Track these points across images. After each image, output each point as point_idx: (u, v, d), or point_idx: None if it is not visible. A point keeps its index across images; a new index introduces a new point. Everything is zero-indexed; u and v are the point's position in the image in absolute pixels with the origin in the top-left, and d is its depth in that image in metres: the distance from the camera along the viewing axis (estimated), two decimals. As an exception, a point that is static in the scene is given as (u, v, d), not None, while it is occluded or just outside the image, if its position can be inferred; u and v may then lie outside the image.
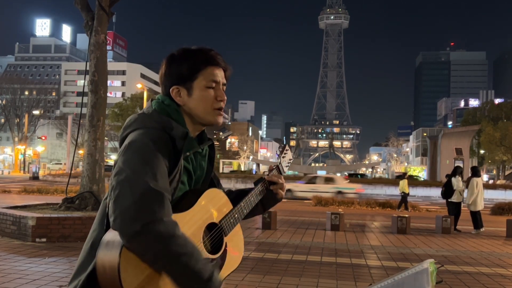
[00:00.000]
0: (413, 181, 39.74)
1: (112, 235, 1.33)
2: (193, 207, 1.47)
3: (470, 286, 5.91)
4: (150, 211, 1.28)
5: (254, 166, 76.00)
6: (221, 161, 71.98)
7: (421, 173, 76.22)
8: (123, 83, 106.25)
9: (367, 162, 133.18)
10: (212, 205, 1.54)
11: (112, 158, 66.84)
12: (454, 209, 12.68)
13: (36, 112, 71.78)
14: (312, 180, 26.73)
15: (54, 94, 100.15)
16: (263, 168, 79.42)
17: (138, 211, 1.28)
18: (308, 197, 22.77)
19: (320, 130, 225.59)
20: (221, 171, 61.86)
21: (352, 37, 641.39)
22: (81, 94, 10.76)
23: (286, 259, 7.19)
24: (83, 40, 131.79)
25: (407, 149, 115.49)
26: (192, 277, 1.32)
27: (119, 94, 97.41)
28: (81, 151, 47.42)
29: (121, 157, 1.41)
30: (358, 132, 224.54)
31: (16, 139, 69.50)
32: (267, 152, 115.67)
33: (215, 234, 1.54)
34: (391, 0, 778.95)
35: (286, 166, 1.88)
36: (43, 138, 68.70)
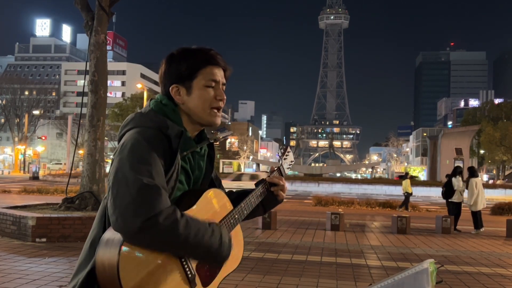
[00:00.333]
0: (413, 181, 39.74)
1: (111, 234, 1.34)
2: (193, 207, 1.47)
3: (470, 286, 5.91)
4: (149, 206, 1.30)
5: (254, 166, 75.98)
6: (221, 161, 71.99)
7: (421, 173, 76.20)
8: (123, 83, 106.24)
9: (367, 162, 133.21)
10: (212, 206, 1.54)
11: (112, 158, 66.88)
12: (455, 209, 12.67)
13: (36, 112, 71.76)
14: (238, 178, 27.77)
15: (54, 94, 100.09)
16: (263, 168, 79.41)
17: (137, 208, 1.29)
18: None
19: (320, 130, 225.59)
20: (221, 171, 61.89)
21: (352, 37, 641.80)
22: (81, 94, 10.75)
23: (286, 259, 7.19)
24: (83, 40, 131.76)
25: (407, 149, 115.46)
26: (204, 250, 1.39)
27: (119, 94, 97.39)
28: (81, 151, 47.44)
29: (117, 156, 1.42)
30: (358, 132, 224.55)
31: (16, 139, 69.49)
32: (267, 152, 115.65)
33: None
34: (391, 0, 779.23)
35: (288, 168, 1.88)
36: (43, 138, 68.69)
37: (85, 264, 1.44)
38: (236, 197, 1.73)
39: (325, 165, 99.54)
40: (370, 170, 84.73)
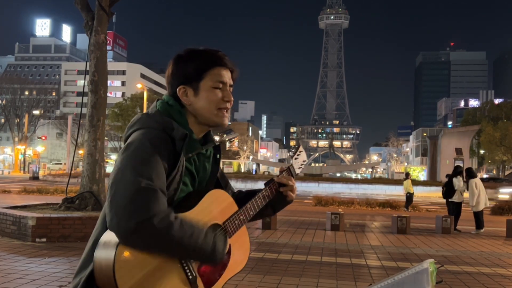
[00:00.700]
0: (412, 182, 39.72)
1: (109, 236, 1.35)
2: (195, 208, 1.47)
3: (470, 286, 5.91)
4: (144, 209, 1.29)
5: (254, 166, 76.01)
6: (221, 161, 71.95)
7: (421, 173, 76.21)
8: (123, 83, 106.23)
9: (367, 162, 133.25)
10: (215, 206, 1.53)
11: (112, 158, 66.86)
12: (455, 209, 12.67)
13: (36, 112, 71.76)
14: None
15: (54, 94, 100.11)
16: (263, 168, 79.43)
17: (132, 209, 1.29)
18: None
19: (320, 130, 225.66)
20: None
21: (352, 37, 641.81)
22: (81, 94, 10.75)
23: (286, 259, 7.19)
24: (83, 40, 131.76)
25: (407, 149, 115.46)
26: (197, 253, 1.39)
27: (119, 94, 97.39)
28: (81, 151, 47.43)
29: (120, 156, 1.42)
30: (358, 132, 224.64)
31: (16, 139, 69.49)
32: (267, 152, 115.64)
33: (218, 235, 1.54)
34: (391, 0, 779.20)
35: (299, 168, 1.86)
36: (43, 138, 68.70)
37: (87, 263, 1.45)
38: (244, 197, 1.72)
39: (325, 165, 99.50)
40: (370, 170, 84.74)
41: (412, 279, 1.58)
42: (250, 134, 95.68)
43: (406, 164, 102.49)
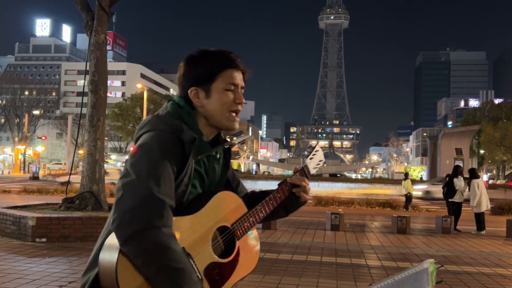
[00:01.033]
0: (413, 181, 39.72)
1: (113, 238, 1.36)
2: (202, 210, 1.46)
3: (470, 286, 5.91)
4: (146, 218, 1.30)
5: (254, 166, 76.01)
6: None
7: (421, 173, 76.19)
8: (123, 83, 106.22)
9: (367, 162, 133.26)
10: (223, 208, 1.53)
11: (112, 158, 66.82)
12: (455, 209, 12.67)
13: (36, 112, 71.75)
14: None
15: (54, 94, 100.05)
16: (263, 168, 79.40)
17: (134, 216, 1.30)
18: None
19: (320, 130, 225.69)
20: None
21: (352, 37, 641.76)
22: (81, 94, 10.75)
23: (286, 259, 7.19)
24: (83, 40, 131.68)
25: (407, 149, 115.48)
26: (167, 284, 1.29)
27: (119, 94, 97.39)
28: (81, 151, 47.41)
29: (129, 159, 1.43)
30: (358, 132, 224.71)
31: (16, 139, 69.49)
32: (267, 152, 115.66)
33: (226, 237, 1.53)
34: (391, 0, 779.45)
35: (315, 168, 1.80)
36: (43, 138, 68.64)
37: (95, 263, 1.46)
38: (257, 197, 1.70)
39: (325, 165, 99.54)
40: (370, 170, 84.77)
41: (412, 279, 1.58)
42: (250, 134, 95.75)
43: (406, 164, 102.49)
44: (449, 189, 12.96)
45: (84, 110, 10.07)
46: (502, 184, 43.50)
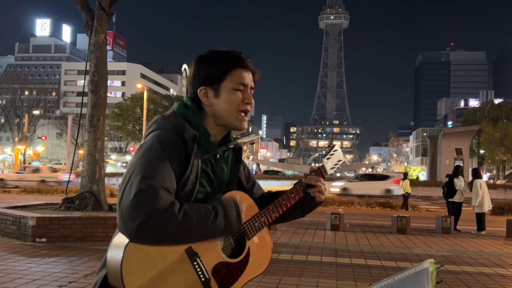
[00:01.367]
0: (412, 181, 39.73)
1: (119, 237, 1.38)
2: None
3: (470, 286, 5.91)
4: (145, 208, 1.31)
5: (254, 166, 76.00)
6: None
7: (421, 173, 76.18)
8: (123, 83, 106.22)
9: (367, 162, 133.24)
10: None
11: (112, 158, 66.83)
12: (455, 209, 12.67)
13: (36, 112, 71.71)
14: (22, 171, 30.77)
15: (54, 94, 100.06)
16: (263, 168, 79.35)
17: (134, 210, 1.31)
18: (18, 185, 26.19)
19: (320, 130, 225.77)
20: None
21: (352, 37, 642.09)
22: (81, 94, 10.76)
23: (286, 259, 7.18)
24: (83, 40, 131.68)
25: (407, 149, 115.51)
26: (211, 234, 1.41)
27: (119, 94, 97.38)
28: (81, 151, 47.42)
29: (132, 158, 1.47)
30: (358, 132, 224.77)
31: (16, 139, 69.46)
32: (267, 152, 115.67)
33: (236, 237, 1.53)
34: (391, 0, 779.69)
35: (332, 168, 1.78)
36: (43, 138, 68.67)
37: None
38: (271, 198, 1.70)
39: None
40: (370, 170, 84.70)
41: (412, 279, 1.58)
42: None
43: (406, 164, 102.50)
44: (449, 189, 12.96)
45: (84, 110, 10.08)
46: (502, 184, 43.45)
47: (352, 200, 20.77)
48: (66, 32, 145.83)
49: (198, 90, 1.58)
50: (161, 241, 1.34)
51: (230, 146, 1.64)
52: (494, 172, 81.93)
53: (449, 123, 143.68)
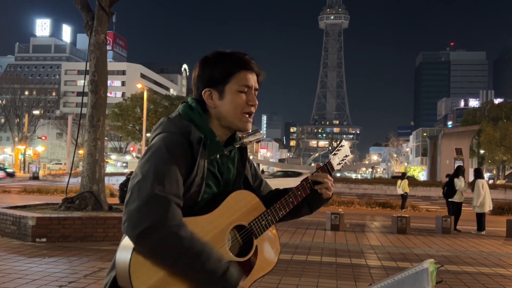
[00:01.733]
0: (412, 181, 39.73)
1: (127, 239, 1.38)
2: (217, 209, 1.47)
3: (470, 286, 5.91)
4: (152, 215, 1.32)
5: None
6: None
7: (421, 173, 76.17)
8: (123, 83, 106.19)
9: (367, 162, 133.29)
10: (239, 207, 1.53)
11: (112, 158, 66.80)
12: (455, 209, 12.67)
13: (36, 112, 71.77)
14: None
15: (54, 94, 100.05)
16: (263, 168, 79.29)
17: (141, 216, 1.32)
18: None
19: (320, 130, 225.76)
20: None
21: (352, 37, 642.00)
22: (81, 94, 10.76)
23: (286, 259, 7.18)
24: (83, 40, 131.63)
25: (407, 149, 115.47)
26: (204, 276, 1.36)
27: (119, 94, 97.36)
28: (81, 151, 47.43)
29: (139, 161, 1.47)
30: (358, 132, 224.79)
31: (16, 139, 69.50)
32: (267, 152, 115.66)
33: (243, 236, 1.53)
34: (391, 0, 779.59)
35: (339, 164, 1.76)
36: (43, 138, 68.67)
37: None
38: (279, 196, 1.68)
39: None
40: (370, 170, 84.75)
41: (412, 279, 1.58)
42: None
43: (406, 164, 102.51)
44: (449, 189, 12.96)
45: (84, 110, 10.08)
46: (502, 184, 43.44)
47: (352, 200, 20.77)
48: (66, 32, 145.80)
49: (203, 92, 1.58)
50: (156, 253, 1.32)
51: (236, 146, 1.64)
52: (494, 172, 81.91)
53: (449, 123, 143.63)
